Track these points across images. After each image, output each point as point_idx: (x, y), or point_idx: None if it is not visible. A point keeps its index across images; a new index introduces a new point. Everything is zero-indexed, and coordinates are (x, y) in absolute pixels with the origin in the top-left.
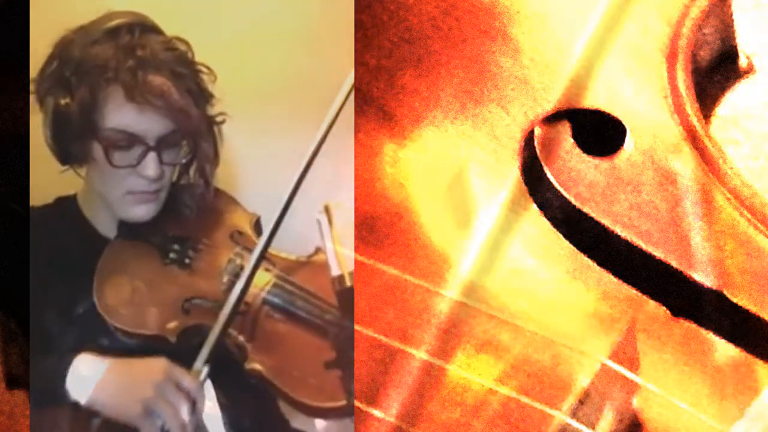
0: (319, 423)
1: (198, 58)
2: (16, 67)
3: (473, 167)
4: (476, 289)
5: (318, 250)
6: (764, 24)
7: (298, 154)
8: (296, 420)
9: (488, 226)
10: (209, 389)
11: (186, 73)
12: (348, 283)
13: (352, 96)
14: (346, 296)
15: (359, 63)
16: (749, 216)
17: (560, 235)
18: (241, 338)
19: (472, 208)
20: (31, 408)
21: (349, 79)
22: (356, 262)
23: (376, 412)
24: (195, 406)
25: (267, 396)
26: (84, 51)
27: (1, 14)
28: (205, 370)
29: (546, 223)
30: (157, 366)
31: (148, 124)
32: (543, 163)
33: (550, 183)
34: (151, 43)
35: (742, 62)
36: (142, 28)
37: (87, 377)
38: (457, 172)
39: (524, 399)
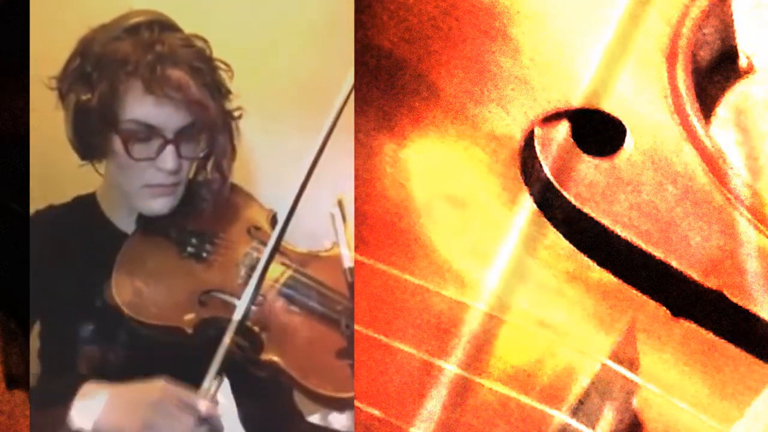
0: (334, 417)
1: (215, 55)
2: (16, 67)
3: (473, 167)
4: (476, 289)
5: (334, 245)
6: (764, 24)
7: (304, 155)
8: (312, 414)
9: (488, 227)
10: (224, 383)
11: (204, 68)
12: None
13: (352, 97)
14: None
15: (359, 63)
16: (749, 216)
17: (560, 235)
18: (257, 330)
19: (472, 209)
20: (31, 408)
21: (349, 79)
22: (356, 262)
23: (376, 412)
24: (205, 420)
25: (282, 389)
26: (105, 47)
27: (1, 14)
28: (215, 384)
29: (546, 223)
30: (155, 387)
31: (167, 116)
32: (543, 163)
33: (550, 183)
34: (170, 39)
35: (742, 62)
36: (161, 25)
37: (90, 406)
38: (457, 172)
39: (524, 399)
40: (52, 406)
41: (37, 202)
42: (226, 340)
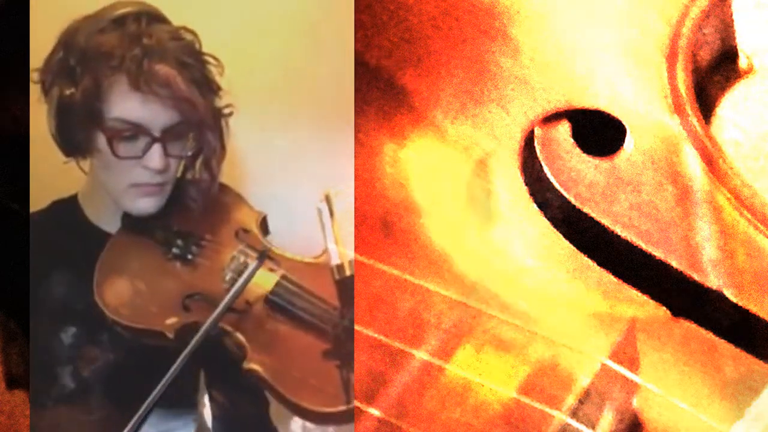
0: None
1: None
2: (16, 67)
3: (473, 167)
4: (476, 289)
5: (325, 252)
6: (764, 24)
7: (300, 156)
8: (287, 427)
9: (488, 227)
10: (203, 393)
11: (193, 63)
12: (348, 272)
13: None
14: (345, 286)
15: (359, 63)
16: (749, 216)
17: (560, 235)
18: (241, 338)
19: (472, 208)
20: (31, 408)
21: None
22: (356, 262)
23: (376, 412)
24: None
25: (260, 402)
26: (89, 39)
27: (1, 15)
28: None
29: (546, 223)
30: None
31: (154, 114)
32: (543, 163)
33: (550, 183)
34: (158, 32)
35: (742, 62)
36: (148, 17)
37: None
38: (457, 172)
39: (524, 399)
40: (52, 406)
41: (37, 202)
42: (198, 337)
